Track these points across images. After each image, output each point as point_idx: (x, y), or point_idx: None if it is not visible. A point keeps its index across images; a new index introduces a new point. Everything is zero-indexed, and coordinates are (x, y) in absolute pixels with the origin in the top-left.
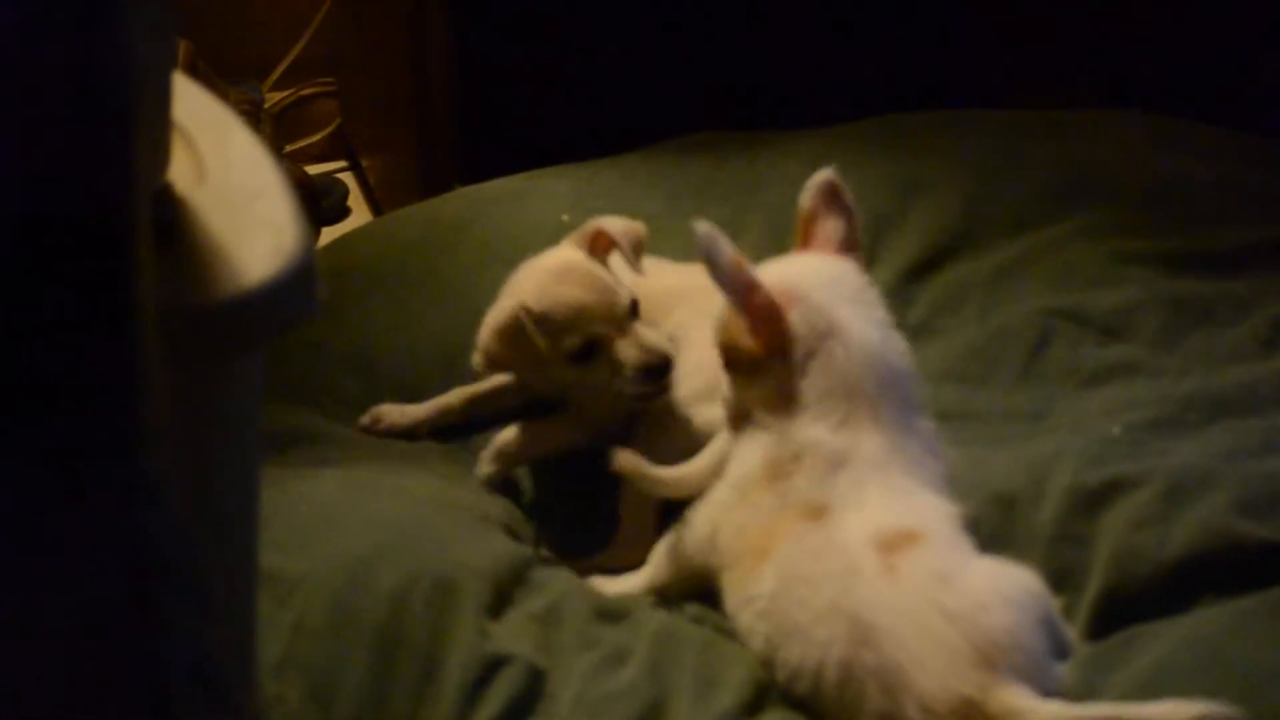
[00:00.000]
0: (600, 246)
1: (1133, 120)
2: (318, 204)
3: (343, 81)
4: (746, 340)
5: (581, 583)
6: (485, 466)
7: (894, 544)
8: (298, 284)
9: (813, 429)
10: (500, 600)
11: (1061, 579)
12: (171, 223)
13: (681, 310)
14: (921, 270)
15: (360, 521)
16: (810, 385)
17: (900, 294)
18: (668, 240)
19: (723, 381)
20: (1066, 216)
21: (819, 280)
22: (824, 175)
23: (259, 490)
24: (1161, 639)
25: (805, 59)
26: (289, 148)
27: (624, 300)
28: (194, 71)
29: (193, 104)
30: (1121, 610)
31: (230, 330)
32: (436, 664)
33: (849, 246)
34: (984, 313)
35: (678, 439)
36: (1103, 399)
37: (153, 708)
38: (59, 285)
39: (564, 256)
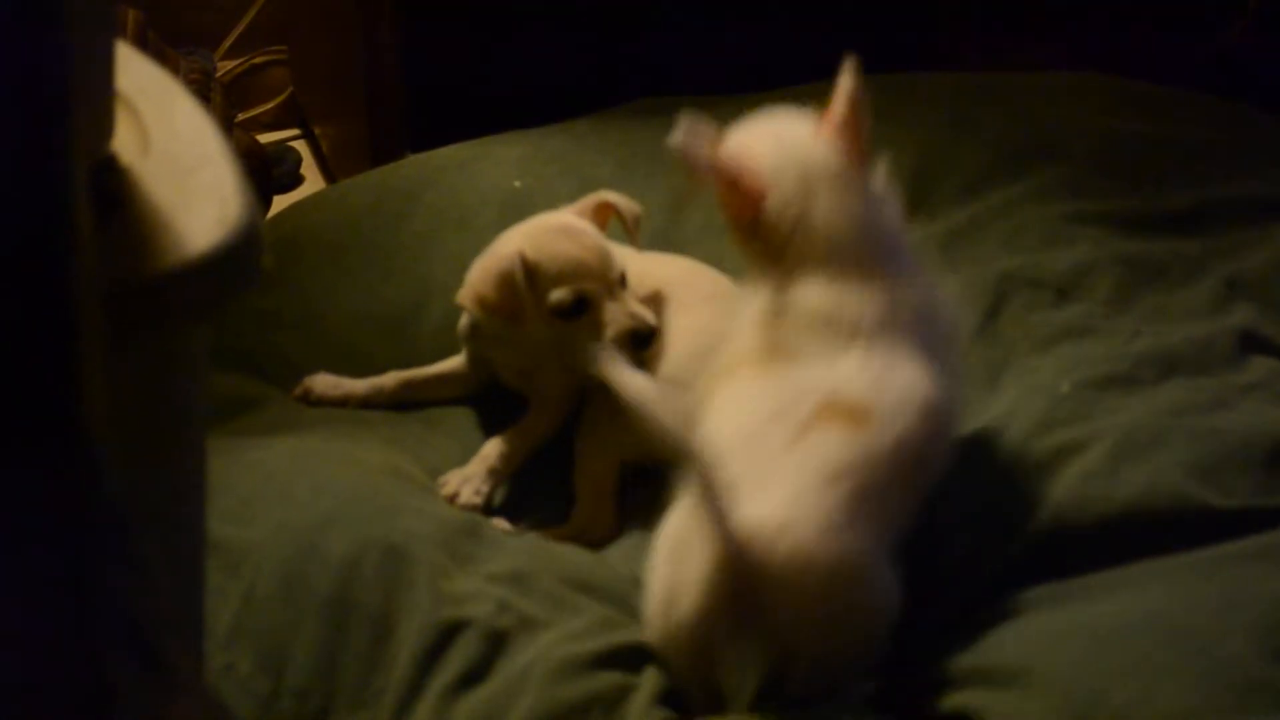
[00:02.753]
0: (601, 218)
1: (1086, 83)
2: (270, 172)
3: (294, 50)
4: (733, 212)
5: (544, 545)
6: (474, 497)
7: (831, 414)
8: (242, 254)
9: (800, 288)
10: (456, 563)
11: (1009, 527)
12: (116, 193)
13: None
14: None
15: (309, 489)
16: (795, 250)
17: None
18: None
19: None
20: (1018, 179)
21: (797, 158)
22: (850, 79)
23: (206, 460)
24: (1103, 591)
25: (754, 24)
26: (241, 116)
27: (618, 265)
28: (143, 41)
29: (137, 74)
30: (1065, 557)
31: (174, 300)
32: (389, 631)
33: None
34: (938, 276)
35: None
36: (1056, 359)
37: (90, 679)
38: None
39: (565, 218)
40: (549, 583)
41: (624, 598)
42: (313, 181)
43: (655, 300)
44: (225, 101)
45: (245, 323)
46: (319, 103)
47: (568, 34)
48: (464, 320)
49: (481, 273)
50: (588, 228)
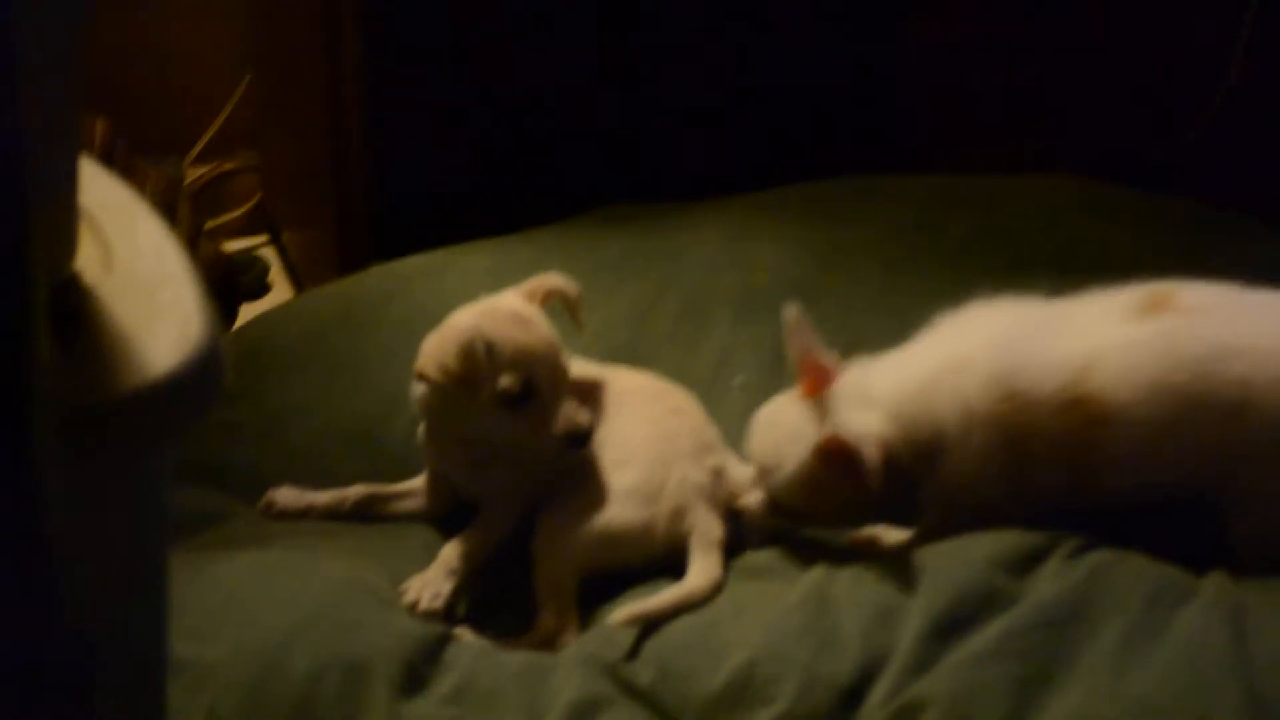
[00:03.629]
0: (545, 300)
1: (1057, 185)
2: (237, 281)
3: (263, 157)
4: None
5: (496, 656)
6: (433, 601)
7: None
8: (203, 374)
9: None
10: (413, 681)
11: None
12: (78, 313)
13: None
14: (844, 347)
15: (271, 605)
16: None
17: None
18: (586, 312)
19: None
20: (984, 282)
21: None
22: (793, 313)
23: (168, 579)
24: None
25: (714, 131)
26: (210, 223)
27: (565, 361)
28: (111, 149)
29: (100, 189)
30: None
31: (135, 422)
32: None
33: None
34: None
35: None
36: None
37: None
38: None
39: (516, 303)
40: (502, 682)
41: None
42: (280, 289)
43: (591, 399)
44: (193, 209)
45: (208, 435)
46: (288, 210)
47: (533, 145)
48: (420, 423)
49: (440, 343)
50: (539, 318)
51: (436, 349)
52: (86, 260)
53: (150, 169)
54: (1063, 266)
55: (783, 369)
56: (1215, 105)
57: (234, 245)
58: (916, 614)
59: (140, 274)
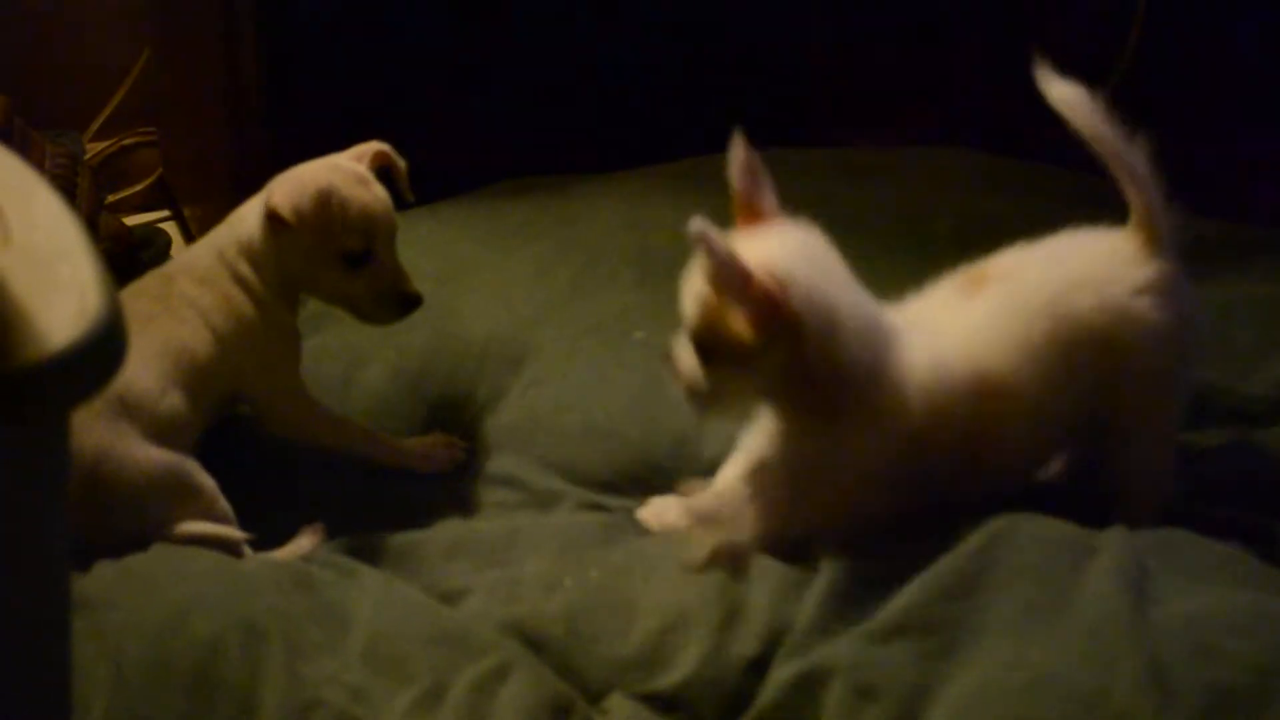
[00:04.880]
0: (375, 165)
1: (952, 157)
2: (138, 255)
3: (163, 131)
4: (741, 330)
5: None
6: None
7: None
8: (102, 347)
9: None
10: (314, 643)
11: None
12: None
13: None
14: None
15: (170, 576)
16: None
17: None
18: (483, 277)
19: (687, 367)
20: (880, 255)
21: (806, 258)
22: (741, 150)
23: (66, 553)
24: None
25: (639, 101)
26: (111, 198)
27: (396, 226)
28: (9, 125)
29: None
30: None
31: (34, 394)
32: (253, 709)
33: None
34: None
35: None
36: None
37: None
38: None
39: (357, 167)
40: (409, 647)
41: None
42: None
43: None
44: (94, 184)
45: None
46: (189, 184)
47: (433, 118)
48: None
49: (297, 188)
50: (376, 182)
51: (293, 193)
52: None
53: (49, 144)
54: (960, 236)
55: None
56: (1113, 78)
57: (136, 220)
58: (822, 585)
59: (38, 248)
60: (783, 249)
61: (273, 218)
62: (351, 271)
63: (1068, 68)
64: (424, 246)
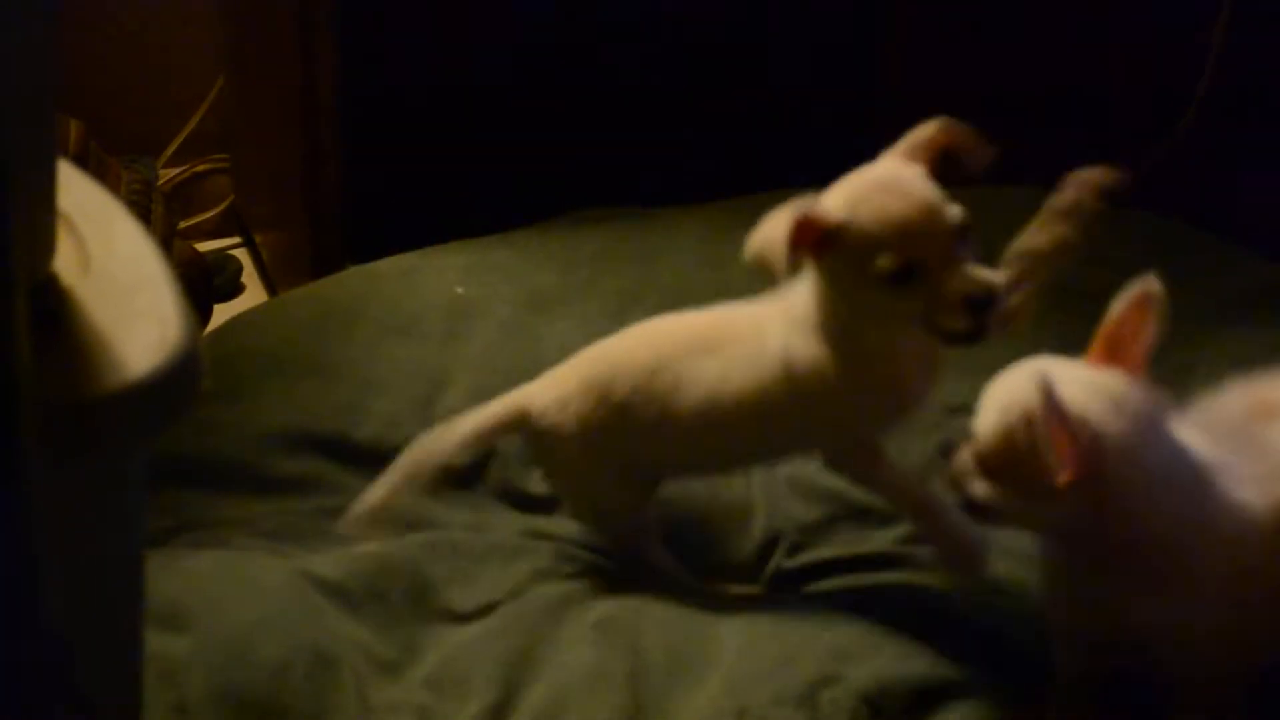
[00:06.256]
0: (931, 158)
1: (1022, 197)
2: (210, 282)
3: (236, 158)
4: (1040, 471)
5: (474, 641)
6: None
7: None
8: (181, 376)
9: None
10: (383, 667)
11: None
12: (56, 314)
13: None
14: None
15: (237, 595)
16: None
17: None
18: (564, 309)
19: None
20: None
21: (1133, 414)
22: (1147, 284)
23: (143, 583)
24: None
25: (700, 134)
26: (183, 224)
27: (952, 220)
28: (85, 151)
29: (77, 192)
30: None
31: (112, 423)
32: None
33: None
34: None
35: None
36: None
37: None
38: None
39: (891, 167)
40: (485, 672)
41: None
42: (253, 290)
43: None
44: (167, 210)
45: (183, 437)
46: (260, 211)
47: (509, 146)
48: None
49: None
50: (915, 176)
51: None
52: (64, 262)
53: (124, 170)
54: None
55: None
56: (1186, 120)
57: (207, 246)
58: None
59: (118, 276)
60: (1109, 398)
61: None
62: (898, 290)
63: (1142, 108)
64: (502, 274)
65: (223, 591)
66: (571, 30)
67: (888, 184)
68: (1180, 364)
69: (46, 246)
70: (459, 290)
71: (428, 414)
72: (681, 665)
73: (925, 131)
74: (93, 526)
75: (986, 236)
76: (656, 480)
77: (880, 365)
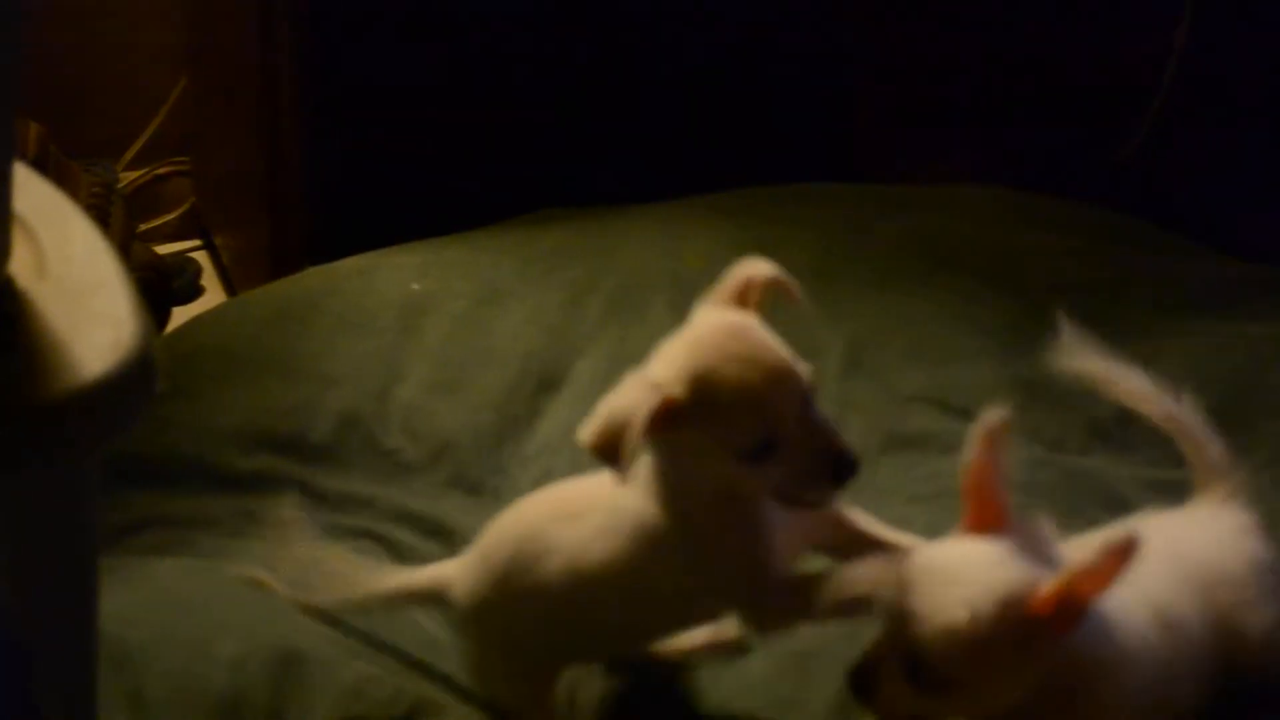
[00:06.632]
0: (752, 298)
1: (988, 195)
2: (169, 284)
3: (196, 161)
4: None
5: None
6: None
7: None
8: (136, 379)
9: None
10: (350, 654)
11: None
12: (11, 317)
13: None
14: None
15: (198, 599)
16: None
17: None
18: (518, 302)
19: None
20: (916, 288)
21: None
22: (997, 416)
23: (97, 584)
24: None
25: (656, 132)
26: (143, 227)
27: (805, 382)
28: (44, 154)
29: (34, 195)
30: None
31: (67, 426)
32: None
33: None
34: (841, 392)
35: None
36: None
37: None
38: None
39: (730, 325)
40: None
41: None
42: (213, 292)
43: None
44: (127, 214)
45: (139, 433)
46: (220, 214)
47: (471, 148)
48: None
49: (622, 425)
50: (761, 338)
51: (613, 427)
52: (20, 265)
53: (84, 173)
54: (988, 272)
55: None
56: (1149, 120)
57: (166, 249)
58: None
59: (74, 279)
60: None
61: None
62: (754, 466)
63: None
64: (458, 270)
65: (182, 591)
66: (532, 30)
67: (736, 351)
68: (1136, 357)
69: (2, 249)
70: (415, 286)
71: (383, 408)
72: None
73: (745, 272)
74: (46, 529)
75: (947, 236)
76: (554, 669)
77: (735, 532)
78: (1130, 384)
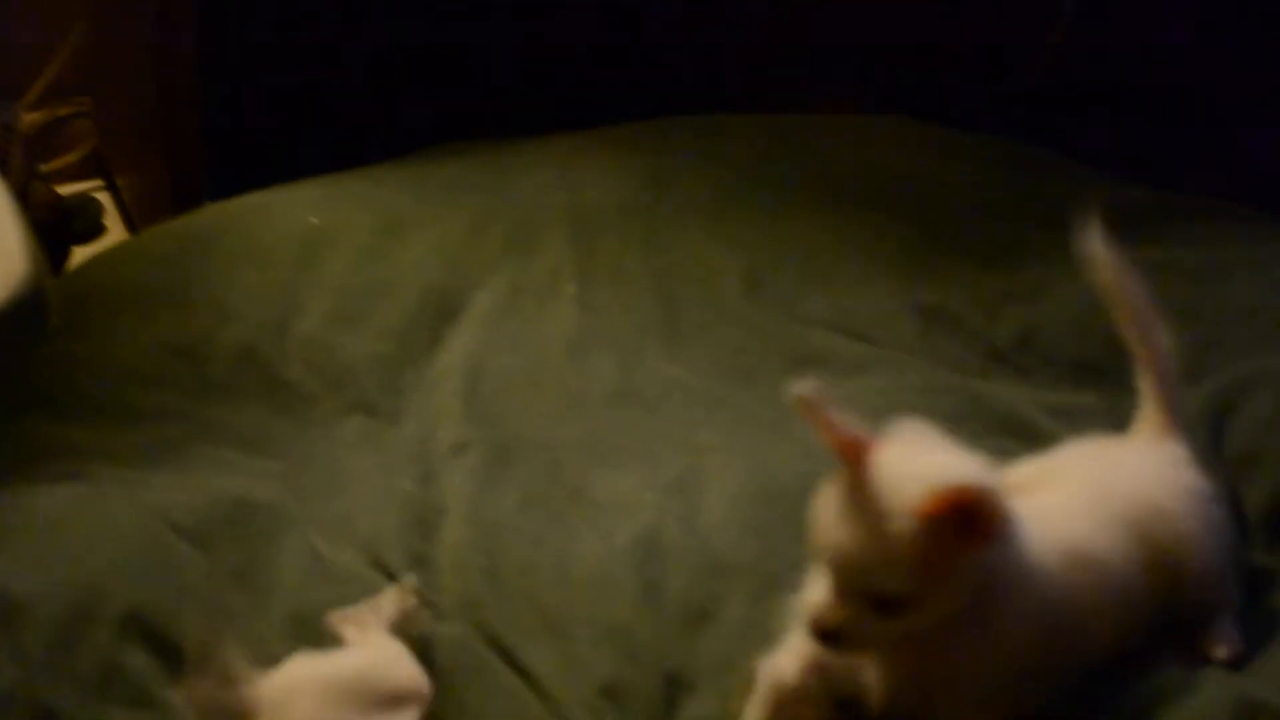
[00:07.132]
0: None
1: (888, 124)
2: (70, 224)
3: (97, 102)
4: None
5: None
6: None
7: None
8: (24, 312)
9: None
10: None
11: None
12: None
13: None
14: (678, 265)
15: (90, 539)
16: None
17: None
18: (419, 232)
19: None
20: (815, 217)
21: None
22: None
23: None
24: None
25: (566, 68)
26: (45, 168)
27: None
28: None
29: None
30: None
31: None
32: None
33: None
34: (742, 316)
35: None
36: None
37: None
38: None
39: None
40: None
41: None
42: (115, 232)
43: None
44: (27, 154)
45: (38, 366)
46: (122, 154)
47: (366, 88)
48: None
49: None
50: None
51: None
52: None
53: None
54: (886, 200)
55: (618, 280)
56: (1048, 51)
57: (70, 189)
58: None
59: None
60: (965, 464)
61: None
62: None
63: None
64: (356, 203)
65: (74, 532)
66: None
67: None
68: (1036, 279)
69: None
70: (313, 220)
71: (282, 341)
72: None
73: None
74: None
75: (846, 165)
76: None
77: None
78: (1134, 300)
